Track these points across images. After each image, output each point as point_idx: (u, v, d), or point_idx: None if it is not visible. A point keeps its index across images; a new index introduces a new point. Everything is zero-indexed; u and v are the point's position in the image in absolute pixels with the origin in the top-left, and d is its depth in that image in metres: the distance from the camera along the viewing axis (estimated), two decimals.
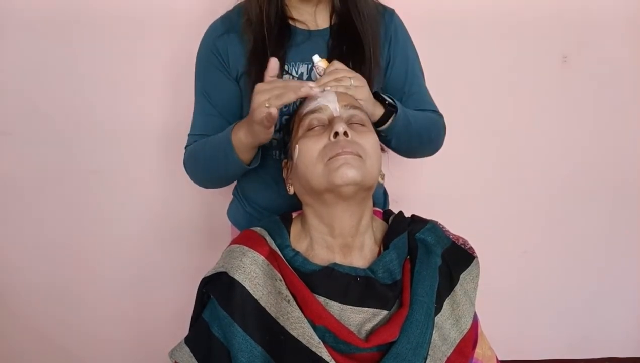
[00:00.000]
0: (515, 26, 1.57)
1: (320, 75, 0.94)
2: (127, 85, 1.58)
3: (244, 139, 0.93)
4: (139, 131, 1.62)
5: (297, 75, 1.05)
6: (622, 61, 1.61)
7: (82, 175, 1.66)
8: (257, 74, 0.97)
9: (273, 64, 0.86)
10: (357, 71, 0.94)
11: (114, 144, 1.64)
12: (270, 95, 0.83)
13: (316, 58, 0.97)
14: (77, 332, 1.79)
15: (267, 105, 0.82)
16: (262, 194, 1.14)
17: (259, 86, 0.85)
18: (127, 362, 1.83)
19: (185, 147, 1.13)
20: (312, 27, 1.08)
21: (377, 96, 0.98)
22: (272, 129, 0.89)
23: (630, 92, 1.64)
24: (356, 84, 0.91)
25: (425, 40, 1.56)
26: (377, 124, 0.98)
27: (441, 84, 1.60)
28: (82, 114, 1.60)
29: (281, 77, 1.00)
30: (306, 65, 1.05)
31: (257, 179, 1.13)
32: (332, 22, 1.07)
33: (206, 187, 1.15)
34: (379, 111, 0.97)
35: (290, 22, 1.07)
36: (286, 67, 1.04)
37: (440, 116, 1.18)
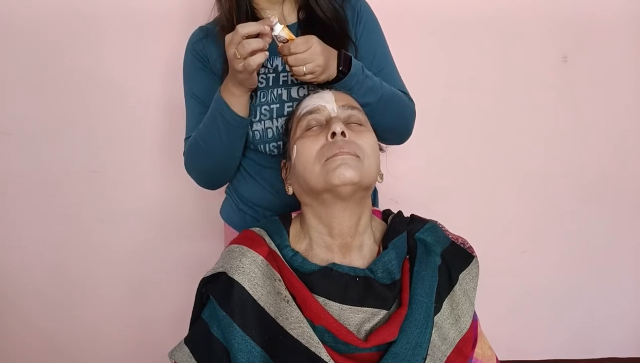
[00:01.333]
0: (515, 26, 1.57)
1: (280, 42, 0.93)
2: (126, 85, 1.59)
3: (234, 90, 0.96)
4: (138, 131, 1.62)
5: (272, 67, 1.07)
6: (622, 61, 1.61)
7: (82, 175, 1.66)
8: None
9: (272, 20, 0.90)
10: None
11: (114, 144, 1.64)
12: (236, 44, 0.87)
13: (277, 27, 0.93)
14: (77, 331, 1.79)
15: (238, 56, 0.87)
16: (255, 192, 1.14)
17: (226, 37, 0.90)
18: (128, 359, 1.83)
19: (184, 153, 1.14)
20: (288, 23, 1.11)
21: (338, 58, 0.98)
22: (255, 75, 0.93)
23: (630, 92, 1.64)
24: (310, 70, 0.91)
25: (425, 41, 1.57)
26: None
27: (441, 83, 1.61)
28: (82, 114, 1.60)
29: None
30: (280, 58, 1.05)
31: (249, 177, 1.14)
32: (300, 17, 1.11)
33: (212, 182, 1.15)
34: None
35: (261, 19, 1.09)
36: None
37: (411, 100, 1.17)
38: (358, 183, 0.78)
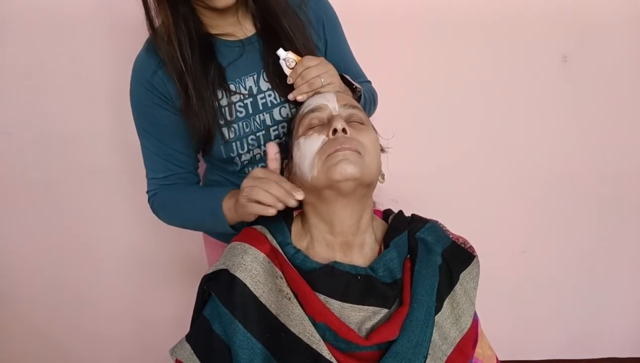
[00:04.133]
0: (515, 26, 1.57)
1: (291, 68, 0.94)
2: (126, 85, 1.58)
3: (234, 214, 0.93)
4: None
5: (246, 92, 1.01)
6: (622, 61, 1.61)
7: (82, 176, 1.66)
8: (192, 119, 0.97)
9: (271, 154, 0.86)
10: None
11: (114, 144, 1.64)
12: (255, 186, 0.82)
13: (281, 52, 0.95)
14: (77, 332, 1.79)
15: (247, 194, 0.83)
16: None
17: (255, 171, 0.85)
18: (128, 361, 1.83)
19: (148, 192, 1.10)
20: (242, 36, 1.03)
21: (343, 79, 1.00)
22: (252, 217, 0.88)
23: (630, 92, 1.64)
24: (328, 81, 0.92)
25: (425, 41, 1.57)
26: None
27: (441, 83, 1.61)
28: (82, 114, 1.60)
29: (230, 98, 0.99)
30: (252, 77, 1.02)
31: (233, 186, 1.12)
32: (257, 27, 1.04)
33: (174, 225, 1.14)
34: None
35: (219, 38, 1.02)
36: (232, 88, 1.01)
37: (370, 82, 1.20)
38: (359, 179, 0.79)
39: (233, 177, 1.10)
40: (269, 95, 1.03)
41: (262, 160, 1.06)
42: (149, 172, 1.09)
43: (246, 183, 0.84)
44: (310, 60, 0.93)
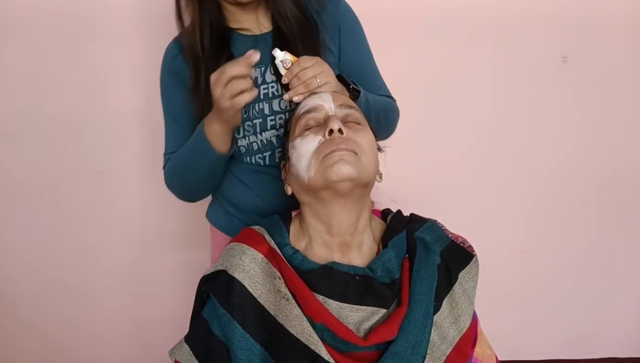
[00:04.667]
0: (515, 26, 1.57)
1: (287, 69, 0.95)
2: (126, 85, 1.59)
3: (218, 128, 0.96)
4: (139, 131, 1.62)
5: (251, 80, 1.04)
6: (622, 61, 1.61)
7: (82, 175, 1.66)
8: (200, 102, 1.04)
9: (252, 53, 0.90)
10: None
11: (114, 144, 1.64)
12: (224, 85, 0.88)
13: (277, 53, 0.96)
14: (77, 332, 1.79)
15: (227, 96, 0.88)
16: (243, 196, 1.14)
17: (211, 76, 0.90)
18: (128, 360, 1.83)
19: (163, 167, 1.16)
20: (258, 32, 1.10)
21: (341, 79, 1.00)
22: (239, 114, 0.93)
23: (630, 92, 1.64)
24: (324, 82, 0.92)
25: (425, 41, 1.57)
26: None
27: (441, 84, 1.61)
28: (82, 114, 1.60)
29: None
30: (259, 69, 1.06)
31: (236, 181, 1.14)
32: (274, 25, 1.09)
33: (191, 197, 1.19)
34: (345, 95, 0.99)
35: (236, 32, 1.10)
36: None
37: (394, 100, 1.19)
38: (356, 180, 0.79)
39: (230, 164, 1.12)
40: (272, 87, 1.05)
41: (260, 150, 1.08)
42: (166, 148, 1.17)
43: (216, 90, 0.89)
44: (306, 61, 0.93)
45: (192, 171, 1.07)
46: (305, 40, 1.05)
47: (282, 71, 0.95)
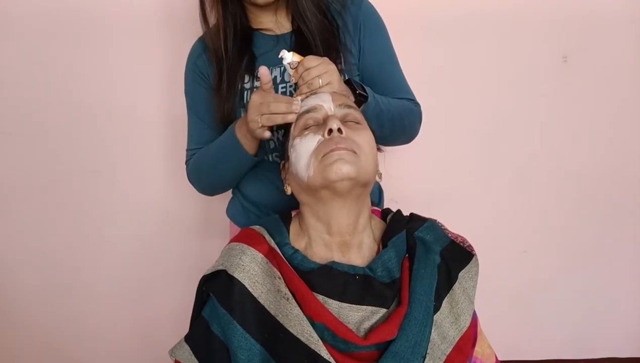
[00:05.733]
0: (515, 26, 1.57)
1: (293, 69, 0.95)
2: (126, 85, 1.59)
3: (247, 136, 0.99)
4: (139, 130, 1.62)
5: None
6: (622, 61, 1.61)
7: (82, 175, 1.66)
8: (221, 101, 1.09)
9: (263, 72, 0.92)
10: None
11: (114, 143, 1.64)
12: (261, 114, 0.90)
13: (285, 54, 0.96)
14: (77, 331, 1.79)
15: (259, 123, 0.91)
16: (260, 192, 1.16)
17: (254, 99, 0.92)
18: (127, 358, 1.83)
19: (186, 162, 1.20)
20: (278, 32, 1.13)
21: (349, 84, 1.00)
22: (267, 132, 0.94)
23: (630, 92, 1.64)
24: (326, 82, 0.93)
25: (425, 41, 1.57)
26: None
27: (440, 84, 1.61)
28: (82, 114, 1.61)
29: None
30: (278, 68, 1.09)
31: (255, 178, 1.15)
32: (294, 27, 1.11)
33: (212, 192, 1.22)
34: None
35: (259, 32, 1.13)
36: (257, 78, 1.09)
37: (417, 105, 1.19)
38: (355, 179, 0.79)
39: None
40: (290, 87, 1.08)
41: (276, 148, 1.10)
42: (188, 143, 1.21)
43: (252, 114, 0.91)
44: (311, 61, 0.93)
45: (220, 168, 1.10)
46: (325, 41, 1.07)
47: (290, 71, 0.96)
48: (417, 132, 1.19)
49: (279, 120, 0.89)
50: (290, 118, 0.88)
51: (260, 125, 0.91)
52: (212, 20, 1.15)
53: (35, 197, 1.67)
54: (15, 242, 1.72)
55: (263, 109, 0.90)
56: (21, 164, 1.64)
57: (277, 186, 1.11)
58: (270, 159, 1.11)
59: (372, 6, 1.16)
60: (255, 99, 0.92)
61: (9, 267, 1.74)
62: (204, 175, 1.16)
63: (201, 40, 1.17)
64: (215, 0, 1.09)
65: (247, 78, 1.11)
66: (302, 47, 1.05)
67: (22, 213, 1.69)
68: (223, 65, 1.09)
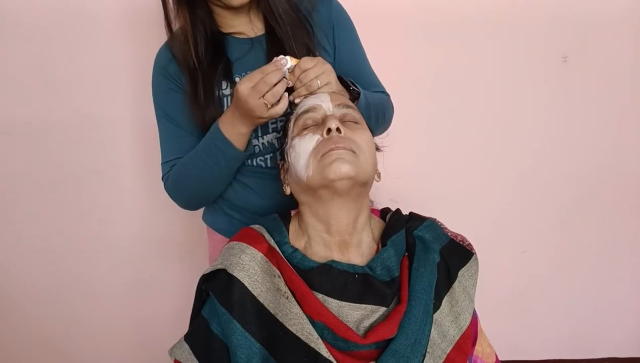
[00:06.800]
0: (515, 26, 1.57)
1: (289, 72, 0.95)
2: (127, 85, 1.59)
3: (244, 130, 0.96)
4: (139, 130, 1.62)
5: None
6: (622, 61, 1.61)
7: (82, 175, 1.66)
8: (200, 111, 1.03)
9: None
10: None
11: (114, 144, 1.64)
12: (262, 95, 0.88)
13: (280, 57, 0.95)
14: (77, 331, 1.80)
15: (269, 106, 0.89)
16: (244, 197, 1.13)
17: (242, 88, 0.89)
18: (127, 358, 1.83)
19: (163, 177, 1.13)
20: (252, 35, 1.09)
21: (341, 81, 1.00)
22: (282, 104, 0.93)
23: (630, 92, 1.64)
24: (324, 82, 0.93)
25: (425, 41, 1.57)
26: None
27: (440, 83, 1.61)
28: (82, 115, 1.61)
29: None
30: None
31: (238, 183, 1.13)
32: (268, 27, 1.08)
33: (198, 204, 1.17)
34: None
35: (231, 36, 1.09)
36: (237, 80, 1.03)
37: (388, 96, 1.19)
38: (354, 178, 0.79)
39: None
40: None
41: (261, 152, 1.08)
42: (163, 156, 1.13)
43: (252, 101, 0.88)
44: (307, 63, 0.93)
45: (207, 174, 1.04)
46: (299, 41, 1.04)
47: (286, 74, 0.96)
48: (391, 122, 1.20)
49: (281, 89, 0.88)
50: (289, 82, 0.89)
51: (269, 105, 0.89)
52: (176, 26, 1.08)
53: (35, 197, 1.67)
54: (15, 242, 1.72)
55: (261, 88, 0.88)
56: (21, 164, 1.64)
57: (262, 189, 1.11)
58: (255, 163, 1.09)
59: (341, 5, 1.15)
60: (244, 87, 0.89)
61: (9, 266, 1.74)
62: (189, 186, 1.09)
63: (167, 46, 1.10)
64: (181, 6, 1.03)
65: (224, 84, 1.06)
66: (278, 50, 1.01)
67: (22, 213, 1.69)
68: (197, 75, 1.04)
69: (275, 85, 0.89)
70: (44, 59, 1.56)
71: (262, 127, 1.05)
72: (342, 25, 1.13)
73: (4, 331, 1.80)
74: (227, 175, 1.07)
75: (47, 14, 1.51)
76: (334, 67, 1.09)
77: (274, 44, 1.05)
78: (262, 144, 1.07)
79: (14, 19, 1.52)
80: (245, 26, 1.08)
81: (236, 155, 1.00)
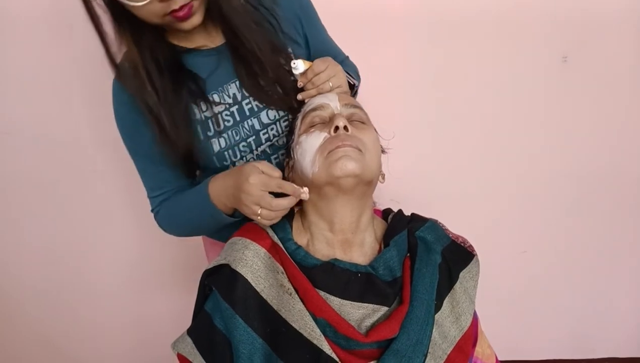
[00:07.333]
0: (515, 26, 1.57)
1: (301, 74, 0.96)
2: None
3: (229, 204, 0.91)
4: None
5: (230, 100, 0.99)
6: (622, 61, 1.61)
7: (82, 175, 1.66)
8: (169, 147, 0.95)
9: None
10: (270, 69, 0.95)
11: (114, 144, 1.63)
12: (260, 206, 0.82)
13: (299, 64, 0.96)
14: (77, 331, 1.80)
15: (257, 216, 0.83)
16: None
17: (253, 182, 0.82)
18: (126, 358, 1.83)
19: (152, 210, 1.08)
20: (213, 45, 1.00)
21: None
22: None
23: (630, 92, 1.64)
24: (336, 85, 0.94)
25: (425, 40, 1.57)
26: None
27: (441, 84, 1.61)
28: (81, 114, 1.60)
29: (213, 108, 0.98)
30: (234, 83, 0.99)
31: None
32: (227, 36, 0.99)
33: (186, 236, 1.13)
34: None
35: (195, 50, 0.99)
36: (216, 98, 0.99)
37: (348, 57, 1.20)
38: (359, 176, 0.79)
39: None
40: (254, 100, 1.01)
41: None
42: (147, 191, 1.07)
43: (252, 207, 0.83)
44: (319, 66, 0.95)
45: (198, 225, 1.02)
46: (262, 42, 0.96)
47: (297, 76, 0.97)
48: None
49: (280, 215, 0.83)
50: (300, 84, 0.90)
51: (258, 217, 0.83)
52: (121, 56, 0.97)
53: (35, 197, 1.67)
54: (15, 242, 1.72)
55: (263, 202, 0.82)
56: (21, 164, 1.64)
57: None
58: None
59: None
60: (255, 183, 0.82)
61: (9, 266, 1.74)
62: (183, 230, 1.06)
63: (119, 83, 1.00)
64: (126, 38, 0.91)
65: (204, 106, 0.97)
66: (241, 58, 0.96)
67: (22, 213, 1.69)
68: (158, 109, 0.92)
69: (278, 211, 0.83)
70: (44, 59, 1.56)
71: (255, 140, 1.02)
72: (306, 14, 1.09)
73: (4, 331, 1.80)
74: (219, 226, 1.01)
75: (47, 14, 1.51)
76: (307, 56, 1.09)
77: (237, 52, 0.98)
78: (257, 155, 1.05)
79: (14, 18, 1.52)
80: (205, 39, 1.00)
81: (224, 219, 0.95)
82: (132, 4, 0.84)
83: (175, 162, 0.98)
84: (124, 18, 0.90)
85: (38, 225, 1.70)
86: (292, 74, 0.98)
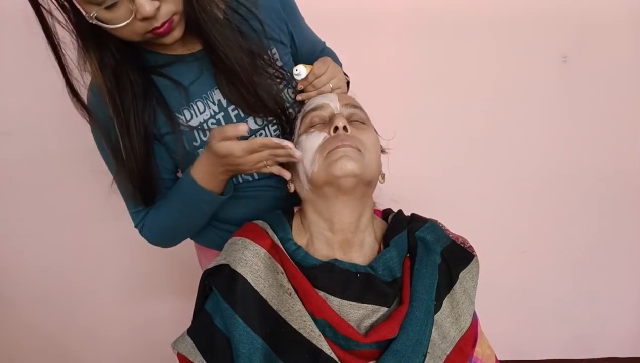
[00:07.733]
0: (515, 26, 1.57)
1: (303, 78, 0.97)
2: None
3: (220, 177, 0.91)
4: None
5: (215, 106, 0.97)
6: (622, 61, 1.61)
7: (82, 175, 1.66)
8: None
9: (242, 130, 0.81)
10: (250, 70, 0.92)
11: None
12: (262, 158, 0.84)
13: (301, 69, 0.96)
14: (77, 331, 1.80)
15: (268, 167, 0.86)
16: (236, 211, 1.06)
17: (238, 154, 0.82)
18: (127, 360, 1.83)
19: (136, 226, 1.05)
20: (190, 52, 0.97)
21: None
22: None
23: (630, 92, 1.64)
24: (337, 87, 0.95)
25: (425, 40, 1.57)
26: None
27: (441, 84, 1.61)
28: (81, 114, 1.60)
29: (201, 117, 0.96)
30: (217, 90, 0.96)
31: (228, 201, 1.03)
32: (204, 44, 0.94)
33: (179, 241, 1.09)
34: None
35: (177, 58, 0.96)
36: (200, 107, 0.96)
37: (325, 43, 1.19)
38: (359, 176, 0.79)
39: None
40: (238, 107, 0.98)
41: (250, 174, 1.03)
42: (128, 206, 1.05)
43: (246, 166, 0.85)
44: (320, 68, 0.96)
45: (190, 220, 0.99)
46: (240, 57, 0.92)
47: (298, 80, 0.98)
48: None
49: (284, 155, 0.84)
50: (301, 86, 0.92)
51: (267, 168, 0.86)
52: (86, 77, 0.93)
53: (35, 197, 1.67)
54: (15, 242, 1.72)
55: (262, 160, 0.84)
56: (21, 164, 1.64)
57: (253, 201, 1.05)
58: (241, 180, 1.03)
59: None
60: (238, 148, 0.82)
61: (9, 267, 1.74)
62: (171, 233, 1.03)
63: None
64: (91, 62, 0.91)
65: (189, 115, 0.95)
66: (218, 64, 0.93)
67: (22, 213, 1.69)
68: (119, 142, 0.92)
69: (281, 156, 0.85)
70: (44, 59, 1.55)
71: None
72: (288, 11, 1.04)
73: (4, 331, 1.80)
74: (211, 213, 1.00)
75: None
76: (294, 53, 1.07)
77: (216, 64, 0.94)
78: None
79: (14, 18, 1.52)
80: (182, 48, 0.96)
81: (215, 199, 0.94)
82: (112, 26, 0.82)
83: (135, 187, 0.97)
84: (90, 40, 0.90)
85: (38, 225, 1.70)
86: (293, 80, 0.99)
